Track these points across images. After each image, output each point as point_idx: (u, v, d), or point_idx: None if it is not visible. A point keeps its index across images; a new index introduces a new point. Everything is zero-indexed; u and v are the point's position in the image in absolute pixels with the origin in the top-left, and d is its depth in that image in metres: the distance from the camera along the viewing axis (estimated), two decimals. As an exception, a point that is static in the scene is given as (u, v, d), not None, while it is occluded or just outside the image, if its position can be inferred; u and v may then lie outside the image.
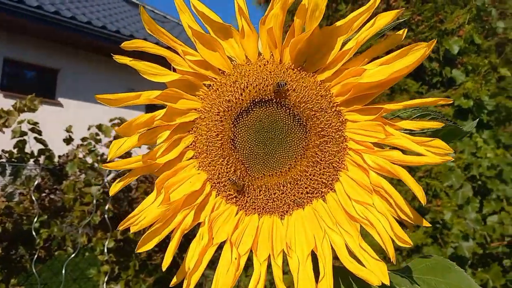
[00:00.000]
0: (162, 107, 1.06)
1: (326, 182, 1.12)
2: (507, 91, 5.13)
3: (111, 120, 5.57)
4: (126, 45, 1.06)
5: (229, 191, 1.11)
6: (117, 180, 1.09)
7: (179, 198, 1.01)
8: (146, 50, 1.09)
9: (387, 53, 1.10)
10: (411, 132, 1.08)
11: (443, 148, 1.01)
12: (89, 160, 5.45)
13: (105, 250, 5.55)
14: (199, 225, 1.06)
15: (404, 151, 1.05)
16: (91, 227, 5.54)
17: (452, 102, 0.98)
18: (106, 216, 5.55)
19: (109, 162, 1.09)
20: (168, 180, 1.05)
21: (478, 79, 5.52)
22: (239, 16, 1.10)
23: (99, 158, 5.34)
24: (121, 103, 0.98)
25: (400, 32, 1.05)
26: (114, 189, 1.10)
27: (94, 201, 5.40)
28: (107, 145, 5.46)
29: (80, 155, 5.41)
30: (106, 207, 5.62)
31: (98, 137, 5.48)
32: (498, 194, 3.81)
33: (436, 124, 1.10)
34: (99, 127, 5.46)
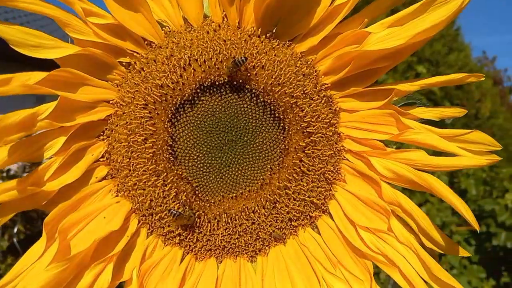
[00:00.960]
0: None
1: (316, 202, 0.81)
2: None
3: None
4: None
5: (169, 226, 0.81)
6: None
7: (85, 248, 0.70)
8: (18, 6, 0.68)
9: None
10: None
11: (486, 143, 0.71)
12: None
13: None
14: (122, 285, 0.75)
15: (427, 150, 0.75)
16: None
17: (483, 78, 0.69)
18: (15, 239, 4.91)
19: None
20: (66, 218, 0.72)
21: (397, 76, 5.73)
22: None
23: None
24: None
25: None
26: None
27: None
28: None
29: None
30: (15, 229, 4.97)
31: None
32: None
33: (458, 111, 0.80)
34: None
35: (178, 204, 0.78)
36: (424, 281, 0.70)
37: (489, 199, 3.91)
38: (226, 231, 0.80)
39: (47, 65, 0.76)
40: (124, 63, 0.79)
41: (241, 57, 0.73)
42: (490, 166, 4.98)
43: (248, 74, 0.75)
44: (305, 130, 0.76)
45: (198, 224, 0.79)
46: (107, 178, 0.80)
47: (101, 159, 0.80)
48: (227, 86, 0.77)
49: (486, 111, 7.15)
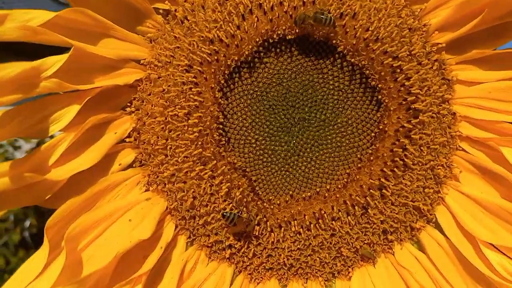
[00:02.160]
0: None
1: (422, 208, 0.63)
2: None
3: None
4: None
5: (217, 234, 0.65)
6: None
7: (104, 265, 0.52)
8: None
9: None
10: None
11: None
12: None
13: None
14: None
15: None
16: (9, 247, 4.99)
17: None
18: (27, 233, 5.02)
19: None
20: (77, 221, 0.55)
21: None
22: None
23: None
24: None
25: None
26: None
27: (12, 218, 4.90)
28: None
29: None
30: (27, 223, 5.12)
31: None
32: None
33: None
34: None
35: (232, 205, 0.60)
36: None
37: None
38: (295, 244, 0.64)
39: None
40: (161, 11, 0.64)
41: (328, 15, 0.57)
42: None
43: (334, 26, 0.56)
44: (410, 106, 0.60)
45: (256, 234, 0.63)
46: (134, 165, 0.65)
47: (127, 140, 0.64)
48: (301, 42, 0.62)
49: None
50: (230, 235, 0.64)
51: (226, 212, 0.61)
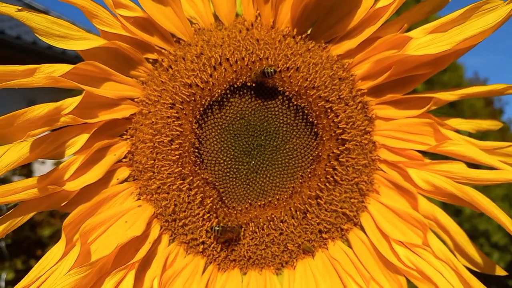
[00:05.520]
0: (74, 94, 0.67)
1: (349, 214, 0.76)
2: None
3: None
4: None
5: (192, 233, 0.76)
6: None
7: (107, 254, 0.64)
8: None
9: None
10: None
11: None
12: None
13: (2, 284, 4.85)
14: (141, 294, 0.69)
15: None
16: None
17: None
18: (3, 244, 4.78)
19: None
20: (87, 221, 0.67)
21: None
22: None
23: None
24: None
25: (449, -10, 0.71)
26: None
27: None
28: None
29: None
30: None
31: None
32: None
33: (495, 124, 0.76)
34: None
35: (215, 220, 0.73)
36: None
37: (483, 218, 3.83)
38: (253, 241, 0.75)
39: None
40: (150, 60, 0.74)
41: (271, 69, 0.69)
42: (484, 186, 4.90)
43: (282, 76, 0.71)
44: (339, 137, 0.72)
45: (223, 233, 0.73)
46: (129, 180, 0.75)
47: (124, 160, 0.74)
48: (258, 88, 0.73)
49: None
50: (203, 234, 0.73)
51: (213, 227, 0.71)
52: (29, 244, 4.35)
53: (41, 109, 0.61)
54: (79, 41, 0.66)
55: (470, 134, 0.75)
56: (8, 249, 4.69)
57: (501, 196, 3.97)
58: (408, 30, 0.73)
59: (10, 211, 0.64)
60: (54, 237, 4.22)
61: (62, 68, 0.64)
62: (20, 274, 5.06)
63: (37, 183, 0.63)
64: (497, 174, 0.67)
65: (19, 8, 0.64)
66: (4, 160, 0.60)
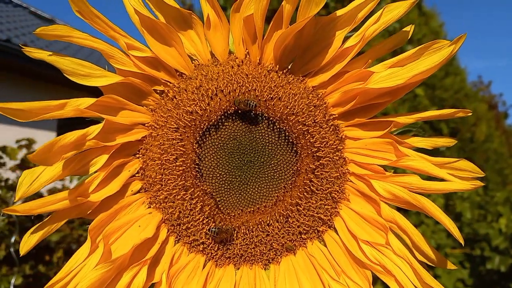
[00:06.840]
0: (94, 122, 0.81)
1: (324, 218, 0.88)
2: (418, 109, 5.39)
3: (17, 141, 4.82)
4: (41, 32, 0.73)
5: (194, 235, 0.88)
6: (31, 230, 0.74)
7: (125, 253, 0.77)
8: (73, 40, 0.77)
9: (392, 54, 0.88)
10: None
11: (472, 171, 0.81)
12: (-10, 186, 4.69)
13: None
14: (153, 286, 0.82)
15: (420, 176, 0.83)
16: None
17: (471, 113, 0.78)
18: (12, 249, 4.84)
19: (18, 203, 0.74)
20: (107, 226, 0.80)
21: (397, 100, 5.78)
22: (204, 2, 0.81)
23: (2, 184, 4.59)
24: (35, 115, 0.72)
25: (408, 28, 0.84)
26: (28, 243, 0.76)
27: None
28: (13, 169, 4.70)
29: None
30: (12, 239, 4.91)
31: (1, 160, 4.72)
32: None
33: (449, 141, 0.89)
34: (3, 149, 4.70)
35: (213, 223, 0.84)
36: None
37: (484, 223, 3.86)
38: (244, 241, 0.87)
39: (90, 90, 0.86)
40: (158, 91, 0.85)
41: (252, 102, 0.81)
42: (485, 190, 4.92)
43: (267, 105, 0.85)
44: (315, 154, 0.84)
45: (219, 235, 0.86)
46: (141, 191, 0.86)
47: (137, 175, 0.86)
48: (247, 114, 0.85)
49: (481, 135, 7.13)
50: (203, 236, 0.85)
51: (211, 229, 0.83)
52: (37, 250, 4.43)
53: (71, 136, 0.73)
54: (100, 79, 0.78)
55: (425, 151, 0.89)
56: (17, 254, 4.77)
57: (503, 200, 4.07)
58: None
59: (46, 219, 0.78)
60: (62, 243, 4.31)
61: (87, 101, 0.76)
62: (28, 279, 5.14)
63: (68, 195, 0.75)
64: (446, 184, 0.78)
65: (50, 53, 0.78)
66: (42, 177, 0.74)
